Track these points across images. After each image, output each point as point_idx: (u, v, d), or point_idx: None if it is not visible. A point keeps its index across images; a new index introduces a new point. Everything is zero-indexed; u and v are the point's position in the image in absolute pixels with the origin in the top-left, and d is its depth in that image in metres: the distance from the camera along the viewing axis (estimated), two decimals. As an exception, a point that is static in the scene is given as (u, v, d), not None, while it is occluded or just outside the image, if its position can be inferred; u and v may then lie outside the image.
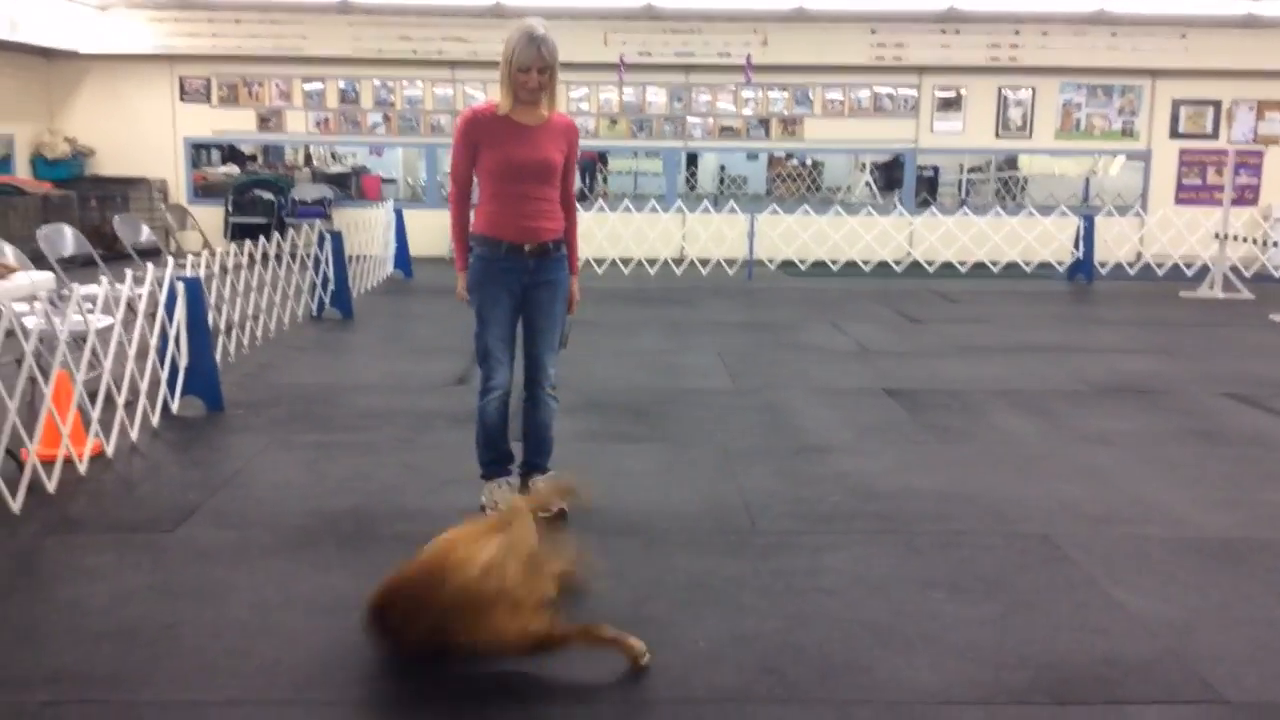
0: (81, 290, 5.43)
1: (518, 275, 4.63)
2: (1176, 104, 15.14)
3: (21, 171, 13.73)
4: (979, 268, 13.98)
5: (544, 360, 4.78)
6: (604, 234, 13.91)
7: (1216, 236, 12.43)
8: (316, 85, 14.78)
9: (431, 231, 14.62)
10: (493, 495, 4.75)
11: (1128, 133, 15.15)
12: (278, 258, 8.90)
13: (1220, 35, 14.37)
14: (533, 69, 4.39)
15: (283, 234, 9.29)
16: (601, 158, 22.76)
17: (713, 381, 7.52)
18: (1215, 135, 15.10)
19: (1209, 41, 14.45)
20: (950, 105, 15.03)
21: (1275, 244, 12.94)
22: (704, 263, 13.98)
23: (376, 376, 7.54)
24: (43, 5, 12.61)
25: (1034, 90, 14.91)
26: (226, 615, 3.73)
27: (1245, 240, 12.87)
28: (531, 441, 4.87)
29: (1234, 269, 12.60)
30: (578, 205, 4.90)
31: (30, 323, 5.09)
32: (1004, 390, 7.27)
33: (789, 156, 23.78)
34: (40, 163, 14.02)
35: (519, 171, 4.51)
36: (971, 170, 21.92)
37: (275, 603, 3.83)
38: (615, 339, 9.13)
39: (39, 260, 6.71)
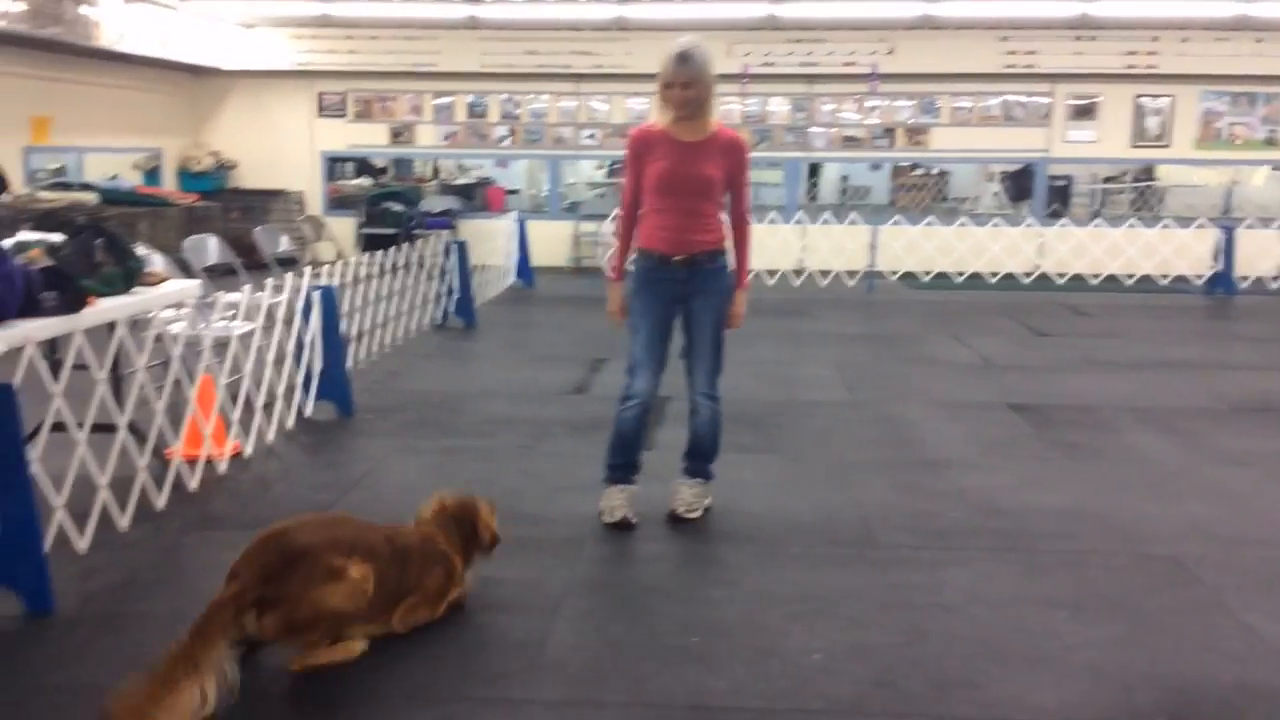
0: (225, 298, 5.70)
1: (669, 286, 4.75)
2: (1324, 111, 14.45)
3: (169, 184, 14.43)
4: (1111, 280, 13.56)
5: (695, 369, 4.88)
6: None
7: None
8: (446, 100, 15.17)
9: (553, 242, 14.88)
10: (610, 500, 4.82)
11: (1272, 142, 14.51)
12: (405, 267, 9.18)
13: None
14: (675, 84, 4.50)
15: (411, 244, 9.57)
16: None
17: (829, 393, 7.48)
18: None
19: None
20: (1084, 113, 14.62)
21: None
22: (824, 274, 13.88)
23: (498, 384, 7.71)
24: (191, 24, 13.25)
25: (1173, 98, 14.40)
26: (354, 611, 3.87)
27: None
28: (690, 447, 4.97)
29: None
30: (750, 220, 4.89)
31: (177, 328, 5.36)
32: (1135, 407, 7.05)
33: (914, 166, 23.44)
34: (186, 175, 14.71)
35: (672, 185, 4.62)
36: (1106, 180, 21.26)
37: (400, 600, 3.96)
38: (732, 349, 9.01)
39: (184, 269, 7.07)
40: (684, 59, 4.47)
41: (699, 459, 4.96)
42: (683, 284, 4.74)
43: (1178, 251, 13.62)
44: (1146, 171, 20.11)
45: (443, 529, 3.87)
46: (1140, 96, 14.48)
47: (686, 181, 4.62)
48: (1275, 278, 13.54)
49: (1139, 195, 20.54)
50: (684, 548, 4.53)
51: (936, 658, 3.52)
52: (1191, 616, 3.86)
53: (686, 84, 4.49)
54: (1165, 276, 13.56)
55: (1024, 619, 3.83)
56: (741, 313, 4.87)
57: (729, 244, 4.80)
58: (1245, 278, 13.24)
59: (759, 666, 3.44)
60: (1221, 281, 13.05)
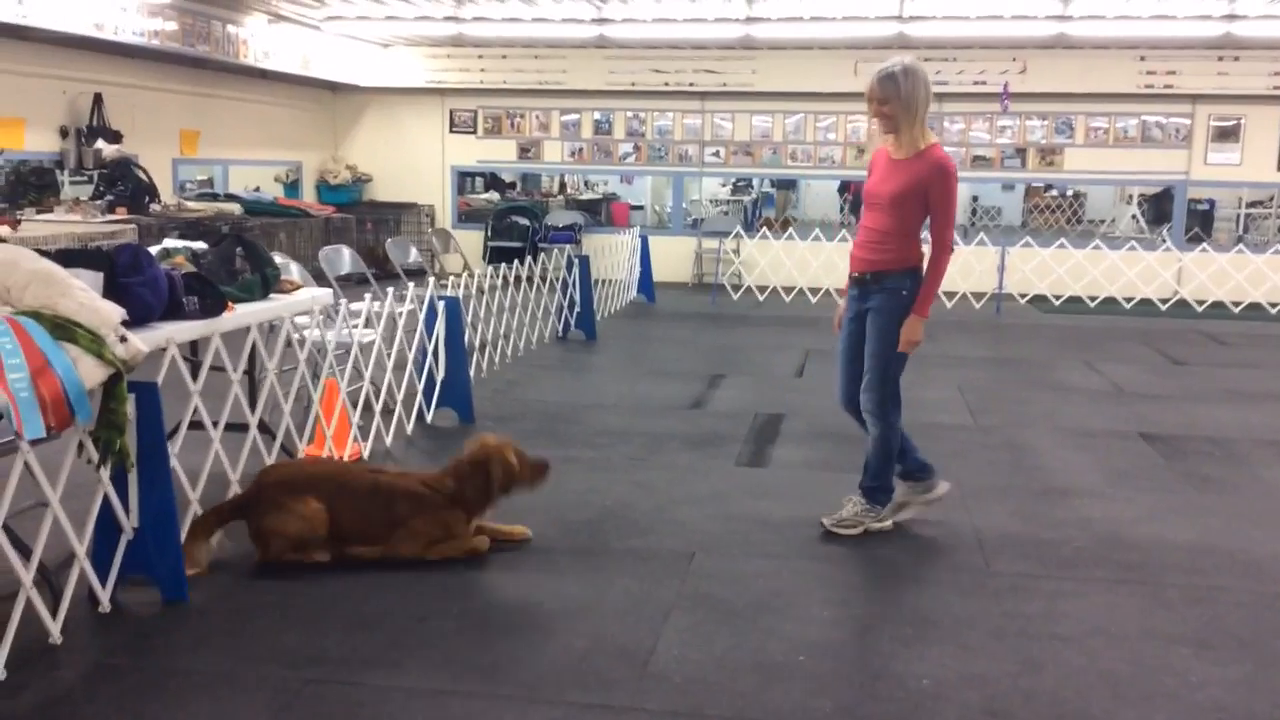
0: (352, 306, 5.91)
1: (852, 304, 4.88)
2: None
3: (308, 196, 14.99)
4: (1254, 309, 12.98)
5: (867, 383, 4.83)
6: (846, 264, 13.78)
7: None
8: (573, 116, 15.42)
9: (675, 258, 14.95)
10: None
11: None
12: (529, 280, 9.35)
13: None
14: (871, 100, 4.64)
15: (535, 258, 9.74)
16: (845, 187, 22.66)
17: (952, 417, 7.35)
18: None
19: None
20: (1227, 135, 14.06)
21: None
22: (949, 295, 13.62)
23: (615, 397, 7.78)
24: (331, 43, 13.76)
25: (1323, 120, 13.75)
26: (467, 612, 3.97)
27: None
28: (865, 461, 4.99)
29: None
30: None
31: (307, 334, 5.58)
32: (1273, 440, 6.74)
33: (1048, 187, 22.85)
34: (324, 188, 15.26)
35: (865, 201, 4.80)
36: (1251, 205, 20.39)
37: (512, 605, 4.05)
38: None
39: (320, 278, 7.34)
40: (881, 77, 4.59)
41: (865, 474, 4.93)
42: (859, 302, 4.84)
43: (1328, 280, 12.99)
44: (1295, 196, 19.23)
45: (459, 479, 4.48)
46: (1289, 118, 13.86)
47: (871, 198, 4.75)
48: None
49: (1287, 221, 19.65)
50: (795, 566, 4.51)
51: (1050, 690, 3.43)
52: (1328, 661, 3.68)
53: (882, 101, 4.61)
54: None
55: (1145, 654, 3.70)
56: (912, 339, 4.72)
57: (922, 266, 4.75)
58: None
59: (866, 689, 3.41)
60: (1375, 312, 12.40)
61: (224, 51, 11.54)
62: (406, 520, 4.41)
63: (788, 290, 13.76)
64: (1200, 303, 13.27)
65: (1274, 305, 13.01)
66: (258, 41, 12.11)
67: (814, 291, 13.66)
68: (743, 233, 14.52)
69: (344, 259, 7.82)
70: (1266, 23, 11.64)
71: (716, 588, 4.24)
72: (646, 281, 13.53)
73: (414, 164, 15.71)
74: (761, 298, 13.58)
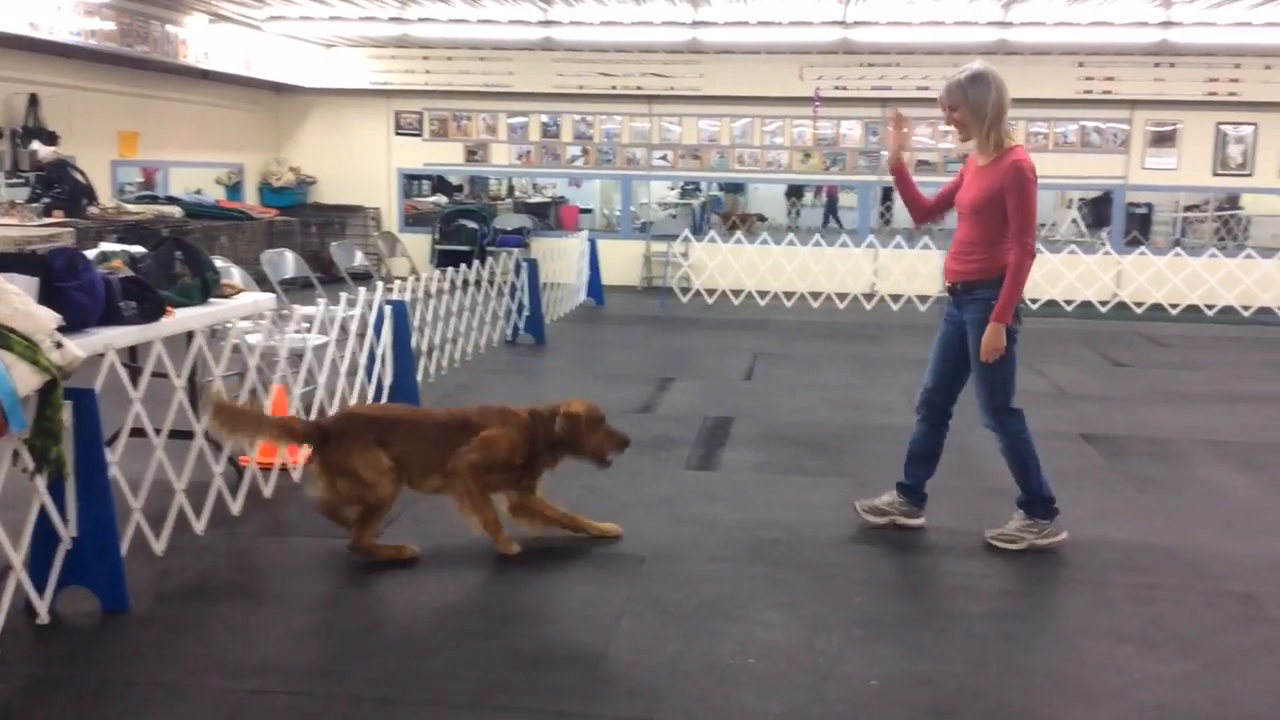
0: (300, 310, 5.83)
1: (950, 311, 4.86)
2: None
3: (250, 198, 14.78)
4: (1191, 311, 13.25)
5: (977, 396, 4.83)
6: (794, 267, 13.89)
7: None
8: (520, 119, 15.37)
9: (624, 261, 14.95)
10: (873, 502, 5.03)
11: (1361, 173, 14.10)
12: (477, 284, 9.29)
13: None
14: (943, 107, 4.67)
15: (483, 261, 9.69)
16: (794, 191, 22.81)
17: (897, 418, 7.39)
18: None
19: None
20: (1164, 140, 14.35)
21: None
22: (895, 298, 13.76)
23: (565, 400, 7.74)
24: (273, 43, 13.59)
25: (1255, 126, 14.07)
26: (415, 621, 3.93)
27: None
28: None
29: None
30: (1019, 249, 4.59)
31: (253, 339, 5.49)
32: (1213, 441, 6.88)
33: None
34: (267, 190, 15.06)
35: (956, 210, 4.79)
36: (1188, 208, 20.81)
37: (462, 609, 4.02)
38: (801, 373, 9.12)
39: (262, 282, 7.24)
40: (949, 84, 4.63)
41: (1020, 489, 4.87)
42: (956, 311, 4.82)
43: (1261, 282, 13.28)
44: (1231, 200, 19.66)
45: (535, 417, 4.67)
46: (1222, 124, 14.18)
47: (958, 207, 4.77)
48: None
49: (1223, 224, 20.08)
50: (744, 569, 4.52)
51: (996, 689, 3.47)
52: (1263, 657, 3.75)
53: (952, 107, 4.63)
54: (1248, 308, 13.22)
55: (1089, 652, 3.75)
56: (993, 346, 4.60)
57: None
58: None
59: (815, 690, 3.42)
60: (1307, 314, 12.70)
61: (163, 52, 11.34)
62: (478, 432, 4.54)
63: (736, 293, 13.82)
64: (1139, 305, 13.52)
65: (1211, 307, 13.28)
66: (198, 41, 11.92)
67: (762, 294, 13.73)
68: (690, 236, 14.57)
69: (287, 263, 7.72)
70: (1201, 30, 11.89)
71: (667, 591, 4.23)
72: (595, 285, 13.52)
73: (359, 166, 15.56)
74: (710, 300, 13.62)
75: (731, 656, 3.66)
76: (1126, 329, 12.15)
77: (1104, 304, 13.63)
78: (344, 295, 6.27)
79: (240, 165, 14.74)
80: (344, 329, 6.30)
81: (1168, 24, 11.78)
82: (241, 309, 5.33)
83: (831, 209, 23.30)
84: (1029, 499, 4.82)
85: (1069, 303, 13.58)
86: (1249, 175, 14.35)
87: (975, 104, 4.57)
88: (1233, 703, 3.40)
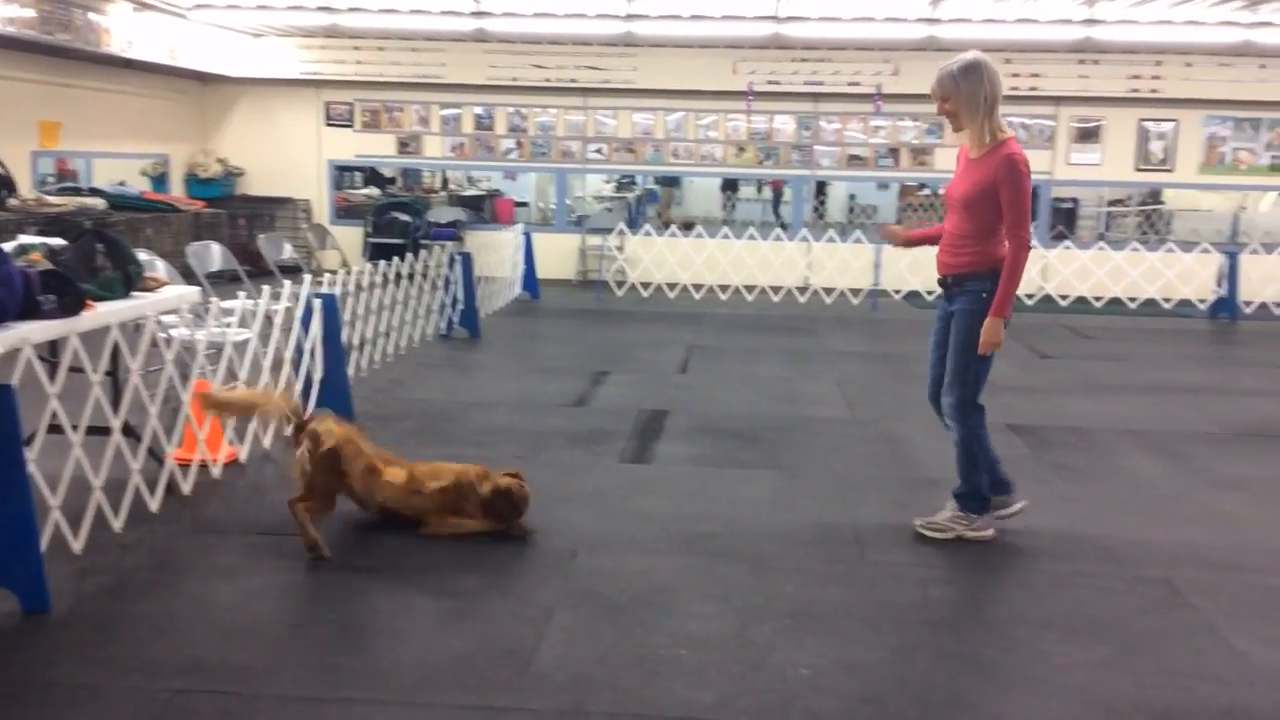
0: (223, 304, 5.73)
1: (941, 304, 4.90)
2: (1327, 139, 14.48)
3: (176, 190, 14.47)
4: (1115, 303, 13.55)
5: (947, 386, 4.87)
6: (729, 261, 13.97)
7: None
8: (453, 111, 15.24)
9: (560, 255, 14.91)
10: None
11: (1277, 168, 14.51)
12: (410, 277, 9.21)
13: (1382, 66, 13.69)
14: (935, 98, 4.66)
15: (416, 255, 9.61)
16: (730, 185, 22.91)
17: (830, 410, 7.49)
18: (1374, 171, 14.38)
19: (1369, 73, 13.79)
20: (1088, 136, 14.65)
21: None
22: (828, 292, 13.89)
23: (499, 394, 7.72)
24: (200, 33, 13.32)
25: (1176, 123, 14.43)
26: (347, 618, 3.89)
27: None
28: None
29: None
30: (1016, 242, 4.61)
31: (175, 333, 5.39)
32: (1134, 430, 7.05)
33: (921, 186, 23.47)
34: (194, 182, 14.75)
35: (948, 203, 4.79)
36: (1112, 203, 21.27)
37: (392, 609, 3.98)
38: (735, 366, 9.17)
39: (188, 275, 7.10)
40: (941, 74, 4.62)
41: (961, 481, 4.88)
42: (946, 304, 4.85)
43: (1182, 276, 13.62)
44: (1153, 195, 20.13)
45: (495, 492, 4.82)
46: (1144, 120, 14.51)
47: (948, 199, 4.77)
48: (1279, 304, 13.54)
49: (1145, 219, 20.56)
50: (677, 561, 4.54)
51: (924, 676, 3.52)
52: (1182, 640, 3.86)
53: (943, 98, 4.64)
54: (1169, 300, 13.55)
55: (1014, 639, 3.83)
56: (991, 340, 4.64)
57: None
58: (1249, 303, 13.22)
59: (746, 680, 3.45)
60: (1225, 306, 13.04)
61: (85, 40, 11.04)
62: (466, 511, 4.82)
63: (671, 286, 13.85)
64: (1064, 298, 13.79)
65: (1133, 300, 13.59)
66: (121, 30, 11.62)
67: (697, 288, 13.77)
68: (626, 229, 14.57)
69: (214, 255, 7.58)
70: (1124, 27, 12.16)
71: (600, 585, 4.24)
72: (531, 278, 13.46)
73: (289, 158, 15.31)
74: (645, 294, 13.64)
75: (664, 648, 3.67)
76: (1052, 322, 12.39)
77: (1030, 297, 13.86)
78: (266, 289, 6.16)
79: (166, 156, 14.42)
80: (270, 323, 6.21)
81: (1091, 21, 12.02)
82: (164, 303, 5.22)
83: (778, 203, 23.29)
84: (966, 492, 4.87)
85: (997, 296, 13.77)
86: (1170, 170, 14.70)
87: (968, 94, 4.57)
88: (1150, 685, 3.49)
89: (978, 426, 4.83)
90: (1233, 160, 14.50)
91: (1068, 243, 14.83)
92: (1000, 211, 4.55)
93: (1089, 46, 13.39)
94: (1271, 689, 3.48)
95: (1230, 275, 13.09)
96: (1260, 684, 3.52)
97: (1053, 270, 14.28)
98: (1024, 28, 12.28)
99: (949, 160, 14.49)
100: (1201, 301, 13.39)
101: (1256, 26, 11.97)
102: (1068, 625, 3.95)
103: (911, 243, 5.17)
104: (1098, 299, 13.69)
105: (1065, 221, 18.89)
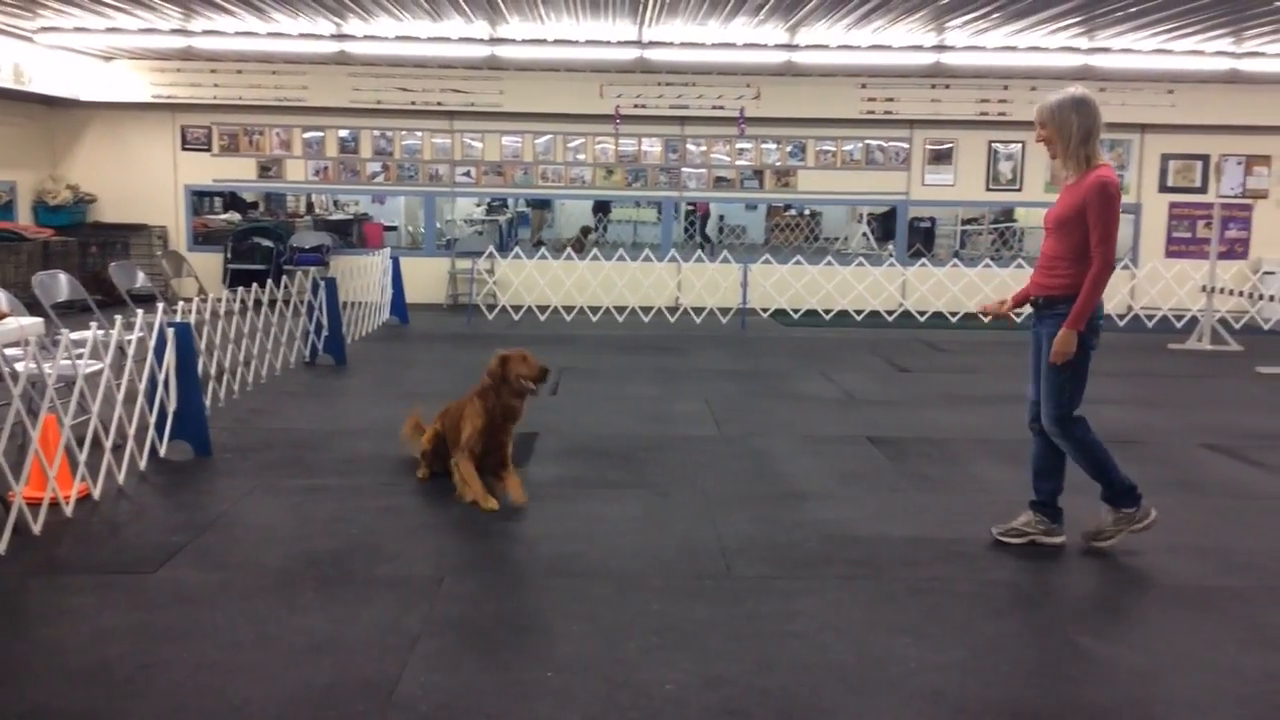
0: (72, 335, 5.52)
1: (1035, 325, 5.03)
2: (1165, 158, 15.34)
3: (24, 218, 13.89)
4: (969, 318, 14.08)
5: (1043, 404, 4.97)
6: (598, 282, 14.05)
7: (1204, 289, 12.53)
8: (316, 134, 15.00)
9: (429, 279, 14.78)
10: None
11: (1122, 189, 15.29)
12: (271, 304, 9.01)
13: (1207, 91, 14.58)
14: (1037, 123, 4.86)
15: (277, 281, 9.41)
16: (601, 207, 23.04)
17: (699, 429, 7.59)
18: (1204, 189, 15.28)
19: (1196, 97, 14.67)
20: (942, 158, 15.23)
21: (1263, 297, 13.03)
22: (698, 311, 14.10)
23: (365, 422, 7.61)
24: (47, 56, 12.83)
25: (1023, 144, 15.10)
26: (202, 656, 3.77)
27: (1234, 293, 12.98)
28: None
29: (1222, 321, 12.68)
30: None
31: (20, 367, 5.17)
32: (985, 439, 7.34)
33: (788, 207, 24.01)
34: (42, 209, 14.18)
35: (1045, 227, 4.96)
36: (967, 222, 22.13)
37: (250, 643, 3.88)
38: (606, 386, 9.23)
39: (34, 306, 6.81)
40: (1042, 103, 4.86)
41: (1101, 486, 5.01)
42: (1037, 324, 4.99)
43: (1031, 290, 14.19)
44: (1006, 214, 21.01)
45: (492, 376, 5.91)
46: (994, 142, 15.16)
47: (1046, 223, 4.94)
48: (1122, 316, 14.25)
49: (999, 236, 21.44)
50: (545, 583, 4.54)
51: (784, 686, 3.60)
52: (1030, 640, 4.03)
53: (1040, 125, 4.86)
54: (1020, 314, 14.07)
55: (870, 645, 3.94)
56: (1063, 349, 4.81)
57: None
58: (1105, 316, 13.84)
59: (611, 699, 3.48)
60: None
61: (-81, 61, 10.55)
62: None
63: (542, 309, 13.86)
64: (922, 313, 14.27)
65: (985, 315, 14.11)
66: (-40, 51, 11.14)
67: (568, 310, 13.81)
68: (495, 252, 14.53)
69: (61, 285, 7.29)
70: (971, 54, 12.69)
71: (466, 610, 4.21)
72: (400, 303, 13.31)
73: (143, 183, 14.85)
74: (516, 317, 13.61)
75: (530, 671, 3.67)
76: (910, 336, 12.80)
77: (890, 313, 14.33)
78: (118, 319, 5.96)
79: (12, 183, 13.83)
80: (123, 353, 6.01)
81: (941, 48, 12.51)
82: (6, 335, 5.01)
83: (703, 226, 23.06)
84: (1112, 493, 5.03)
85: (859, 313, 14.21)
86: (1019, 190, 15.38)
87: (1061, 124, 4.82)
88: (999, 685, 3.64)
89: (1084, 435, 5.00)
90: (1075, 180, 15.21)
91: (924, 260, 15.36)
92: (1075, 235, 4.82)
93: (940, 71, 13.95)
94: (1113, 685, 3.66)
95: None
96: (1103, 680, 3.70)
97: (911, 287, 14.77)
98: (878, 54, 12.72)
99: (811, 181, 15.06)
100: (1050, 315, 13.97)
101: (1094, 52, 12.64)
102: (922, 630, 4.09)
103: (1015, 307, 5.31)
104: (953, 314, 14.20)
105: (924, 240, 19.59)
